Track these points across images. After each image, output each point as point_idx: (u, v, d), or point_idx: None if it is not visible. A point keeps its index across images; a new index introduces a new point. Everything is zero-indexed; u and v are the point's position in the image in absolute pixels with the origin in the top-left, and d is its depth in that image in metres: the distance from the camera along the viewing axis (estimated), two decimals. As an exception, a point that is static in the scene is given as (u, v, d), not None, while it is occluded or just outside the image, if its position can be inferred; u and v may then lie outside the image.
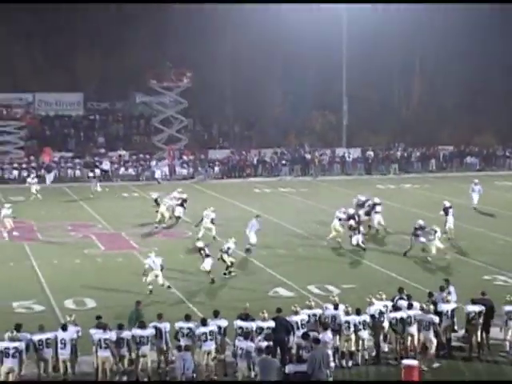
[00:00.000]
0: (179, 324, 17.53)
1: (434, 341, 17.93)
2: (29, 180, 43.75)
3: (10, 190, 44.82)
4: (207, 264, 24.59)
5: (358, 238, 28.99)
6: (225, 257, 25.29)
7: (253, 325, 17.38)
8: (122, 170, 52.13)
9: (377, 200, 32.84)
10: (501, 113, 59.98)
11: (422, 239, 27.76)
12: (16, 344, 16.26)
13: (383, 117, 61.05)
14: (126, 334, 17.11)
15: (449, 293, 19.54)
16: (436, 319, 18.03)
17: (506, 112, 59.83)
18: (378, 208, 32.28)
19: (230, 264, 25.39)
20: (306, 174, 52.60)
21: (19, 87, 57.49)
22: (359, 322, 17.99)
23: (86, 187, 44.62)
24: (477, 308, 18.49)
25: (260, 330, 17.33)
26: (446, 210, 31.40)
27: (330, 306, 18.56)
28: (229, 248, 25.44)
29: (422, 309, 18.35)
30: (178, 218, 34.18)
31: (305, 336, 16.79)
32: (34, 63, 58.93)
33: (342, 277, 25.46)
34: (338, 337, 17.89)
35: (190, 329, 17.38)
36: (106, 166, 50.85)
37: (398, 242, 30.46)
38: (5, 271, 26.31)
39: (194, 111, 58.68)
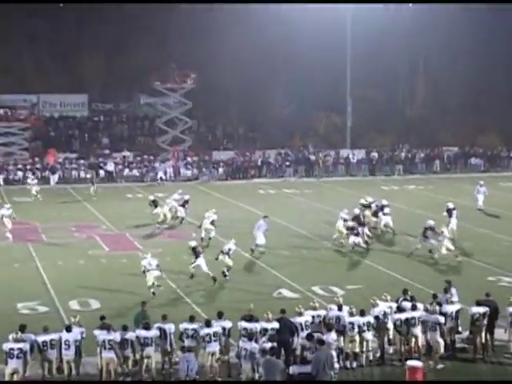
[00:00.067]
0: (184, 325, 17.55)
1: (441, 341, 17.92)
2: (29, 181, 43.84)
3: (14, 191, 44.87)
4: (201, 264, 24.55)
5: (354, 239, 28.97)
6: (225, 258, 25.19)
7: (257, 326, 17.38)
8: (127, 171, 52.21)
9: (385, 202, 32.86)
10: (505, 113, 59.90)
11: (432, 240, 27.75)
12: (20, 345, 16.29)
13: (387, 118, 61.01)
14: (131, 335, 17.13)
15: (450, 294, 19.53)
16: (442, 319, 18.03)
17: (509, 112, 59.72)
18: (387, 209, 32.27)
19: (227, 267, 25.20)
20: (311, 176, 52.59)
21: (24, 88, 57.63)
22: (363, 324, 17.98)
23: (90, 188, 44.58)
24: (481, 309, 18.47)
25: (264, 331, 17.32)
26: (449, 212, 31.35)
27: (334, 307, 18.57)
28: (229, 249, 25.37)
29: (426, 310, 18.37)
30: (182, 219, 34.23)
31: (309, 337, 16.80)
32: (38, 64, 59.04)
33: (347, 278, 25.45)
34: (342, 338, 17.89)
35: (194, 330, 17.39)
36: (110, 167, 50.94)
37: (402, 243, 30.43)
38: (9, 272, 26.35)
39: (198, 112, 58.78)
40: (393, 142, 59.13)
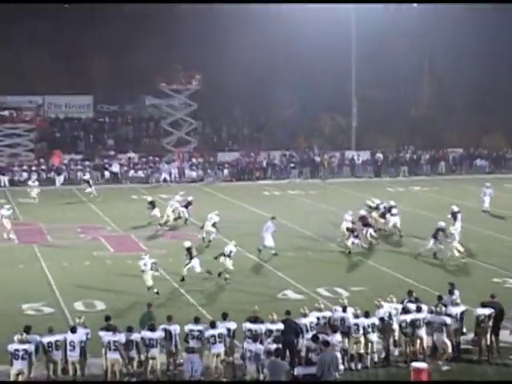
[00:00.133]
0: (189, 326, 17.55)
1: (448, 342, 17.90)
2: (29, 183, 43.87)
3: (20, 192, 44.91)
4: (195, 265, 24.52)
5: (353, 240, 28.95)
6: (226, 261, 25.11)
7: (262, 327, 17.36)
8: (132, 172, 52.27)
9: (392, 202, 32.84)
10: (510, 113, 59.68)
11: (442, 242, 27.73)
12: (25, 346, 16.31)
13: (392, 118, 60.87)
14: (136, 336, 17.13)
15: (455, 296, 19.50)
16: (448, 320, 18.01)
17: (515, 112, 59.72)
18: (394, 210, 32.25)
19: (226, 269, 25.09)
20: (315, 177, 52.57)
21: (29, 90, 57.65)
22: (368, 325, 17.96)
23: (96, 189, 44.60)
24: (486, 311, 18.43)
25: (269, 332, 17.30)
26: (454, 215, 31.22)
27: (339, 309, 18.56)
28: (231, 251, 25.30)
29: (430, 311, 18.35)
30: (186, 219, 34.26)
31: (314, 338, 16.80)
32: (43, 66, 59.07)
33: (352, 279, 25.43)
34: (346, 339, 17.88)
35: (200, 331, 17.39)
36: (115, 168, 51.00)
37: (407, 244, 30.40)
38: (14, 273, 26.39)
39: (203, 114, 58.78)
40: (398, 143, 59.02)
